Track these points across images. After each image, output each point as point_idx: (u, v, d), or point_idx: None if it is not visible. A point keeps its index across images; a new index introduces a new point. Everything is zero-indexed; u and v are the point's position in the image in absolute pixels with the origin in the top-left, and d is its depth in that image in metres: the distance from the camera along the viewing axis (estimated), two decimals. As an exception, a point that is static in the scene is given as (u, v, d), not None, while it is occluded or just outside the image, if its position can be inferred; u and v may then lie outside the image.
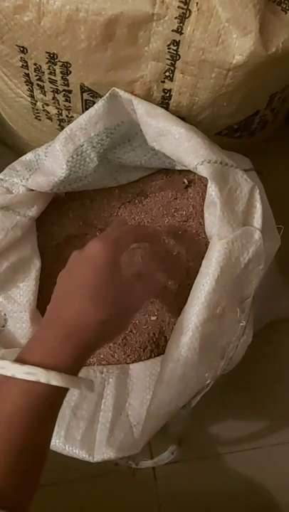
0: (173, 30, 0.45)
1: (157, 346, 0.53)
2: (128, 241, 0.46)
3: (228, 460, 0.66)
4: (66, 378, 0.36)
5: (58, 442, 0.48)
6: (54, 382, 0.35)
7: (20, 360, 0.37)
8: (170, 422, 0.48)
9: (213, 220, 0.45)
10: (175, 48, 0.46)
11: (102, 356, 0.54)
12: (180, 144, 0.47)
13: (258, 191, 0.46)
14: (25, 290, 0.54)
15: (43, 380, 0.35)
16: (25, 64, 0.51)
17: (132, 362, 0.53)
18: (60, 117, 0.57)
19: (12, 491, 0.33)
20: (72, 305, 0.40)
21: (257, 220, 0.45)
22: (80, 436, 0.48)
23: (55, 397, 0.37)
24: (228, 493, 0.65)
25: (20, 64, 0.51)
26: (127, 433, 0.48)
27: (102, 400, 0.50)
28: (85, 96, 0.53)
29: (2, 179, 0.54)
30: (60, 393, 0.37)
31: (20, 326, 0.53)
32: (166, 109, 0.51)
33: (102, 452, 0.47)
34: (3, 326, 0.54)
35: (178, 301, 0.52)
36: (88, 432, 0.48)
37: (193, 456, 0.66)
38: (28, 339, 0.52)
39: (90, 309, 0.39)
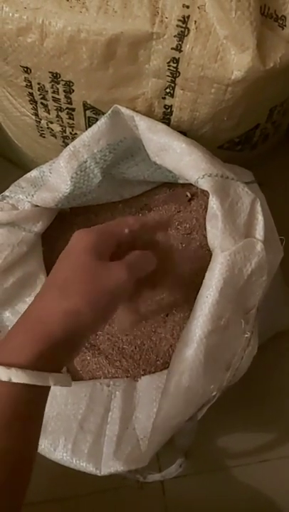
0: (172, 48, 0.46)
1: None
2: (116, 229, 0.43)
3: (236, 473, 0.65)
4: (28, 374, 0.34)
5: (65, 455, 0.48)
6: (15, 379, 0.33)
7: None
8: (177, 434, 0.48)
9: (215, 233, 0.46)
10: (175, 65, 0.47)
11: (112, 370, 0.54)
12: (181, 159, 0.48)
13: (259, 203, 0.46)
14: (31, 305, 0.55)
15: (3, 379, 0.33)
16: (29, 84, 0.52)
17: (143, 375, 0.54)
18: (64, 134, 0.59)
19: None
20: (40, 298, 0.38)
21: (259, 231, 0.46)
22: (87, 450, 0.48)
23: (24, 395, 0.34)
24: (237, 507, 0.64)
25: (25, 84, 0.53)
26: (134, 446, 0.48)
27: (108, 413, 0.50)
28: (88, 113, 0.54)
29: (8, 196, 0.55)
30: (30, 391, 0.34)
31: (27, 341, 0.54)
32: (168, 124, 0.52)
33: (109, 465, 0.47)
34: (10, 341, 0.55)
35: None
36: (95, 445, 0.48)
37: (201, 469, 0.65)
38: None
39: (55, 299, 0.37)
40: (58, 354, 0.36)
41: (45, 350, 0.35)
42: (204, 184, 0.46)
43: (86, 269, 0.38)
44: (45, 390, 0.36)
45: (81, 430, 0.49)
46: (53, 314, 0.36)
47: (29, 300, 0.55)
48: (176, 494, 0.65)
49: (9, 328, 0.55)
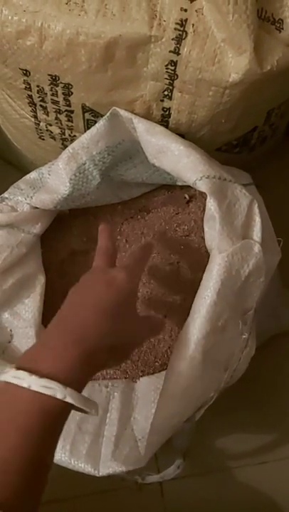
0: (170, 51, 0.46)
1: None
2: (142, 272, 0.48)
3: (235, 475, 0.65)
4: (80, 398, 0.36)
5: (63, 456, 0.48)
6: (69, 400, 0.35)
7: (33, 370, 0.36)
8: (175, 435, 0.48)
9: (213, 234, 0.46)
10: (173, 68, 0.47)
11: (110, 372, 0.54)
12: (179, 161, 0.48)
13: (256, 205, 0.46)
14: (30, 306, 0.55)
15: (59, 396, 0.35)
16: (28, 86, 0.53)
17: (141, 376, 0.54)
18: (63, 137, 0.59)
19: (19, 501, 0.33)
20: (87, 316, 0.40)
21: (256, 233, 0.46)
22: (86, 450, 0.48)
23: (65, 412, 0.36)
24: (235, 509, 0.64)
25: (24, 86, 0.53)
26: (132, 447, 0.48)
27: (107, 414, 0.50)
28: (87, 116, 0.54)
29: (7, 198, 0.55)
30: (69, 409, 0.37)
31: (26, 342, 0.54)
32: (166, 126, 0.53)
33: (107, 466, 0.47)
34: (10, 342, 0.55)
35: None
36: (93, 446, 0.48)
37: (200, 470, 0.65)
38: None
39: (105, 325, 0.40)
40: (92, 375, 0.39)
41: (88, 372, 0.38)
42: (202, 186, 0.46)
43: (131, 313, 0.43)
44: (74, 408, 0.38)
45: (79, 431, 0.50)
46: (101, 338, 0.39)
47: (28, 301, 0.55)
48: (174, 495, 0.65)
49: (8, 329, 0.55)
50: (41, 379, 0.35)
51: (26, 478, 0.34)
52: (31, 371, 0.35)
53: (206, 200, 0.48)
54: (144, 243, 0.53)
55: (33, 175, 0.56)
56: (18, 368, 0.36)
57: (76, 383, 0.36)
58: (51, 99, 0.53)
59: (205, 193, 0.47)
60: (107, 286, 0.42)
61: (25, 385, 0.35)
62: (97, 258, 0.47)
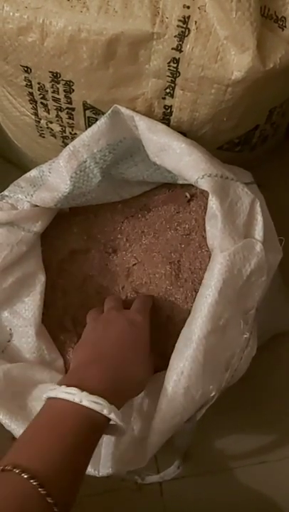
0: (173, 49, 0.46)
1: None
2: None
3: (235, 475, 0.65)
4: (119, 416, 0.40)
5: (63, 457, 0.48)
6: (113, 417, 0.40)
7: (81, 387, 0.40)
8: (175, 435, 0.48)
9: (215, 233, 0.46)
10: (175, 65, 0.47)
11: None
12: (181, 159, 0.48)
13: (258, 204, 0.46)
14: (30, 305, 0.55)
15: (105, 412, 0.39)
16: (29, 83, 0.52)
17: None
18: (64, 134, 0.59)
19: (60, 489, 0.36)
20: (120, 355, 0.46)
21: (258, 232, 0.46)
22: (86, 451, 0.48)
23: (104, 427, 0.40)
24: (235, 509, 0.64)
25: (25, 83, 0.53)
26: (133, 447, 0.48)
27: (107, 414, 0.50)
28: (88, 113, 0.54)
29: (7, 195, 0.55)
30: (106, 425, 0.41)
31: (26, 341, 0.54)
32: (168, 124, 0.52)
33: (107, 466, 0.47)
34: (9, 341, 0.54)
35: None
36: (93, 446, 0.48)
37: (199, 471, 0.65)
38: (33, 354, 0.54)
39: (138, 367, 0.46)
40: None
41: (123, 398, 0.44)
42: (204, 184, 0.46)
43: (146, 351, 0.49)
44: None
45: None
46: (133, 379, 0.46)
47: (28, 300, 0.55)
48: (174, 496, 0.64)
49: (8, 328, 0.55)
50: (91, 395, 0.39)
51: (66, 481, 0.37)
52: (81, 388, 0.40)
53: (207, 198, 0.48)
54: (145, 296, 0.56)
55: (33, 173, 0.56)
56: (68, 385, 0.40)
57: (117, 404, 0.41)
58: (52, 97, 0.53)
59: (206, 192, 0.47)
60: (129, 324, 0.48)
61: (76, 400, 0.39)
62: (109, 301, 0.54)
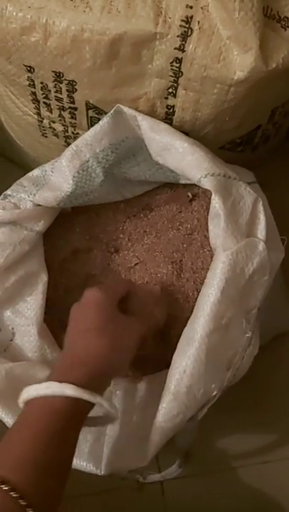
0: (175, 48, 0.46)
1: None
2: (121, 290, 0.51)
3: (236, 474, 0.65)
4: (79, 390, 0.39)
5: (65, 455, 0.48)
6: (68, 393, 0.39)
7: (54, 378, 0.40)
8: (177, 434, 0.48)
9: (218, 232, 0.46)
10: (178, 65, 0.47)
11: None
12: (184, 158, 0.48)
13: (261, 203, 0.46)
14: (32, 304, 0.55)
15: (57, 392, 0.39)
16: (32, 83, 0.52)
17: (144, 374, 0.54)
18: (66, 134, 0.59)
19: (40, 497, 0.36)
20: (83, 343, 0.45)
21: (261, 231, 0.46)
22: (88, 449, 0.48)
23: (74, 409, 0.40)
24: (237, 509, 0.64)
25: (27, 83, 0.53)
26: (135, 446, 0.48)
27: (109, 413, 0.50)
28: (91, 113, 0.54)
29: (10, 195, 0.55)
30: (79, 406, 0.40)
31: (28, 340, 0.54)
32: (170, 124, 0.52)
33: (109, 465, 0.47)
34: (11, 340, 0.54)
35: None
36: (96, 444, 0.48)
37: (201, 470, 0.65)
38: (35, 353, 0.54)
39: (97, 345, 0.44)
40: (100, 385, 0.44)
41: (93, 378, 0.42)
42: (207, 183, 0.46)
43: (114, 321, 0.47)
44: (88, 407, 0.42)
45: (82, 430, 0.49)
46: (98, 356, 0.44)
47: (30, 299, 0.55)
48: (175, 495, 0.64)
49: (10, 327, 0.55)
50: (42, 384, 0.40)
51: (43, 475, 0.37)
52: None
53: (209, 198, 0.48)
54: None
55: (36, 172, 0.56)
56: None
57: (79, 381, 0.40)
58: (55, 96, 0.53)
59: (208, 192, 0.47)
60: (86, 307, 0.47)
61: (34, 394, 0.40)
62: None
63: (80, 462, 0.48)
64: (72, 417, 0.40)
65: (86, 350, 0.44)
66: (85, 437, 0.49)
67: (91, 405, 0.41)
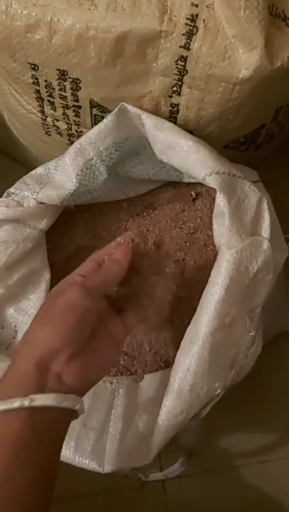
0: (180, 47, 0.46)
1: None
2: (111, 280, 0.43)
3: (238, 473, 0.65)
4: (30, 398, 0.35)
5: (68, 453, 0.48)
6: (16, 405, 0.34)
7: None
8: (180, 433, 0.48)
9: (222, 230, 0.46)
10: (183, 63, 0.47)
11: (115, 368, 0.54)
12: (188, 157, 0.48)
13: (265, 201, 0.46)
14: (35, 302, 0.55)
15: (16, 405, 0.34)
16: (36, 81, 0.52)
17: (146, 373, 0.53)
18: (70, 132, 0.59)
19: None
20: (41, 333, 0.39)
21: (265, 230, 0.46)
22: (90, 447, 0.48)
23: (34, 419, 0.35)
24: (238, 507, 0.64)
25: (32, 81, 0.53)
26: (137, 444, 0.48)
27: (112, 411, 0.50)
28: (95, 111, 0.54)
29: (13, 193, 0.55)
30: (38, 415, 0.35)
31: (31, 338, 0.54)
32: (174, 123, 0.52)
33: (112, 463, 0.47)
34: (14, 338, 0.54)
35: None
36: (98, 442, 0.48)
37: (203, 469, 0.65)
38: None
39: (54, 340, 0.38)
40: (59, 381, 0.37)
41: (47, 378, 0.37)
42: (211, 182, 0.46)
43: (85, 323, 0.39)
44: (51, 413, 0.36)
45: (84, 427, 0.49)
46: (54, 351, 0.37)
47: (33, 297, 0.55)
48: (177, 494, 0.64)
49: (13, 325, 0.55)
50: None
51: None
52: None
53: (212, 197, 0.48)
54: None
55: (39, 170, 0.56)
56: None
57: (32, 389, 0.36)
58: (59, 94, 0.53)
59: (211, 191, 0.47)
60: (58, 302, 0.39)
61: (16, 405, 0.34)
62: None
63: (83, 460, 0.48)
64: (36, 427, 0.35)
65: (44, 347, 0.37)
66: (88, 435, 0.49)
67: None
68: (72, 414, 0.38)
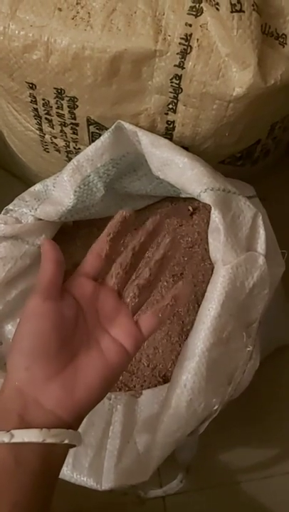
0: (175, 65, 0.47)
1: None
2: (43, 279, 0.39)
3: (238, 489, 0.65)
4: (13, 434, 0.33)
5: (65, 470, 0.47)
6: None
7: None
8: (178, 449, 0.48)
9: (218, 246, 0.46)
10: (177, 81, 0.48)
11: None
12: (184, 173, 0.49)
13: (260, 217, 0.47)
14: (33, 318, 0.55)
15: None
16: (34, 99, 0.53)
17: (145, 388, 0.53)
18: (68, 149, 0.59)
19: None
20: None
21: (260, 245, 0.46)
22: (88, 464, 0.48)
23: (18, 452, 0.33)
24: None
25: (30, 99, 0.53)
26: (135, 461, 0.48)
27: (110, 427, 0.50)
28: (92, 128, 0.55)
29: (11, 209, 0.55)
30: (24, 448, 0.33)
31: (29, 354, 0.54)
32: (170, 139, 0.53)
33: (110, 480, 0.47)
34: (12, 354, 0.54)
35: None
36: (96, 459, 0.48)
37: (203, 485, 0.65)
38: None
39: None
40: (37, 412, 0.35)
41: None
42: (206, 198, 0.47)
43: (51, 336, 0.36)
44: (35, 449, 0.34)
45: (82, 444, 0.49)
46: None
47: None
48: (177, 510, 0.64)
49: (11, 341, 0.55)
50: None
51: None
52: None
53: (209, 212, 0.48)
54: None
55: (37, 187, 0.56)
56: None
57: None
58: (56, 112, 0.54)
59: (208, 205, 0.47)
60: (22, 317, 0.37)
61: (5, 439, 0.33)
62: None
63: (81, 477, 0.47)
64: (22, 462, 0.33)
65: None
66: (86, 452, 0.49)
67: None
68: (64, 446, 0.35)
